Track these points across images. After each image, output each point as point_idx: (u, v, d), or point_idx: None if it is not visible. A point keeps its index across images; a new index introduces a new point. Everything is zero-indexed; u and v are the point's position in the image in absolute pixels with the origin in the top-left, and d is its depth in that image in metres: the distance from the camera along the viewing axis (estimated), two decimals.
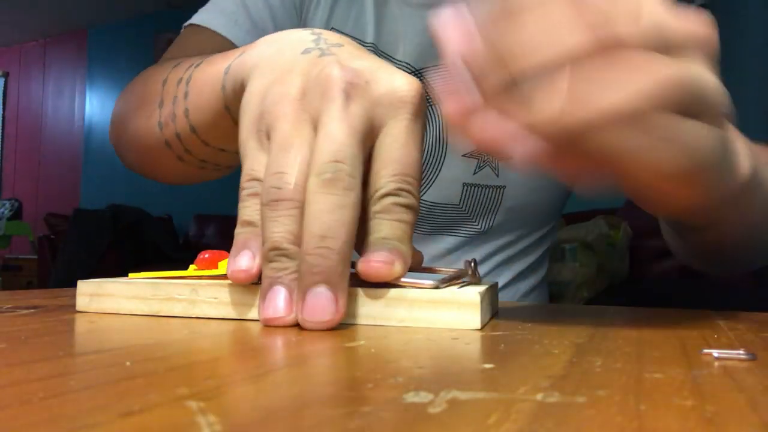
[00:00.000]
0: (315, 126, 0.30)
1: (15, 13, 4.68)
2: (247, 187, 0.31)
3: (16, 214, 4.59)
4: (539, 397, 0.15)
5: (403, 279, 0.29)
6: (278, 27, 0.62)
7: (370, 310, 0.29)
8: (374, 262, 0.28)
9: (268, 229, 0.28)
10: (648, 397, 0.15)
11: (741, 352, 0.21)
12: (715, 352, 0.21)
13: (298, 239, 0.28)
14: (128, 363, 0.19)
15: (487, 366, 0.19)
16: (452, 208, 0.65)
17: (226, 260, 0.36)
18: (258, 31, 0.61)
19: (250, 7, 0.63)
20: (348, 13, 0.64)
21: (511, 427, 0.13)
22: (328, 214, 0.27)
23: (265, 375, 0.18)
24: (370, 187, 0.29)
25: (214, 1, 0.65)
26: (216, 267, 0.36)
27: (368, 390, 0.16)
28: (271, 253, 0.28)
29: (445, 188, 0.65)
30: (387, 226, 0.29)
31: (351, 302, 0.29)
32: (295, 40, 0.34)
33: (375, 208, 0.29)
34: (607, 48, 0.22)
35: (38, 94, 5.43)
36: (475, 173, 0.64)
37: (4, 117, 5.53)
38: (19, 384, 0.16)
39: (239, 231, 0.30)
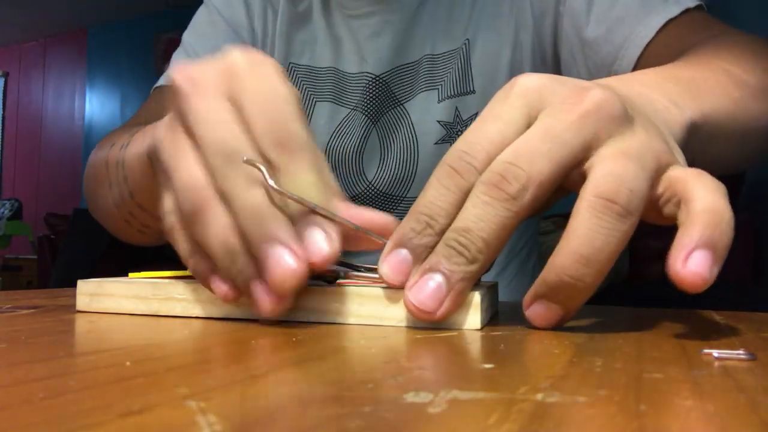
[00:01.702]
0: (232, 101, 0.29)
1: (15, 13, 4.68)
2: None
3: (16, 214, 4.59)
4: (539, 397, 0.15)
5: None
6: None
7: (370, 310, 0.29)
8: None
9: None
10: (648, 397, 0.15)
11: (741, 352, 0.21)
12: (715, 352, 0.21)
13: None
14: (128, 363, 0.19)
15: (487, 366, 0.19)
16: None
17: None
18: None
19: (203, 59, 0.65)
20: (303, 47, 0.67)
21: (511, 427, 0.13)
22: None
23: (265, 375, 0.18)
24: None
25: (173, 62, 0.68)
26: None
27: (368, 390, 0.16)
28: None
29: (427, 180, 0.65)
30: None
31: (351, 302, 0.29)
32: None
33: (272, 155, 0.27)
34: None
35: (38, 94, 5.43)
36: None
37: (4, 117, 5.52)
38: (19, 384, 0.16)
39: (193, 265, 0.30)
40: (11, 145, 5.50)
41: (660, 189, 0.27)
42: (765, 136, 0.43)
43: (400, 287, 0.27)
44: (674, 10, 0.53)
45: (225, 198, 0.27)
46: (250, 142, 0.27)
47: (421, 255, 0.27)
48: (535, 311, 0.27)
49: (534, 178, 0.25)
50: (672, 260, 0.23)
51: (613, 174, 0.25)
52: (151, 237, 0.51)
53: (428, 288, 0.26)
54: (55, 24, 4.95)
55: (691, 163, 0.32)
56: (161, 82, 0.67)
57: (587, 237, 0.24)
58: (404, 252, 0.27)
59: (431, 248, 0.27)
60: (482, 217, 0.25)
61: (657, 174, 0.26)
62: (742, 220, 1.69)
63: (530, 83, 0.28)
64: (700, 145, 0.35)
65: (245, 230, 0.27)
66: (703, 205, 0.24)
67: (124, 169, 0.45)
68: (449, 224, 0.26)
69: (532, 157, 0.25)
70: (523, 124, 0.27)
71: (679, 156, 0.28)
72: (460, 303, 0.27)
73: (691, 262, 0.23)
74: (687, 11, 0.53)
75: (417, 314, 0.26)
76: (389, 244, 0.28)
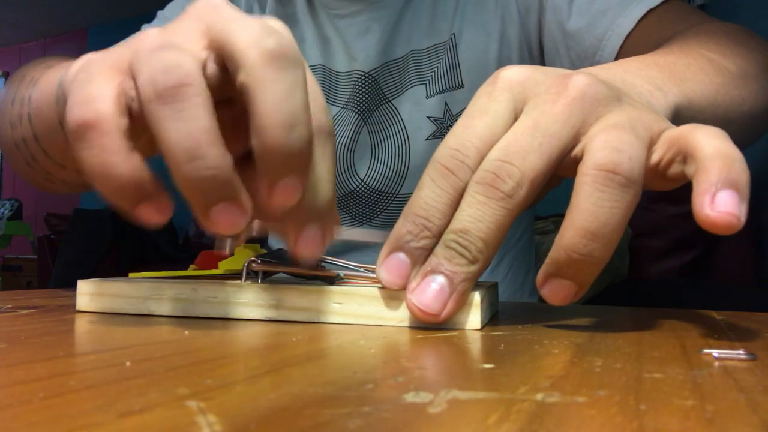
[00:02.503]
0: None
1: (15, 13, 4.68)
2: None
3: (16, 214, 4.58)
4: (539, 397, 0.15)
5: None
6: None
7: (371, 310, 0.29)
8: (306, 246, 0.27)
9: (175, 131, 0.22)
10: (648, 397, 0.15)
11: (741, 352, 0.21)
12: (715, 352, 0.21)
13: (218, 137, 0.23)
14: (128, 363, 0.19)
15: (487, 366, 0.19)
16: None
17: (226, 260, 0.36)
18: None
19: None
20: None
21: (511, 427, 0.13)
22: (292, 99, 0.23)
23: (265, 375, 0.18)
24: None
25: (143, 30, 0.68)
26: (216, 267, 0.36)
27: (368, 390, 0.16)
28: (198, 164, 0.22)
29: (420, 176, 0.65)
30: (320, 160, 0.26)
31: (351, 302, 0.29)
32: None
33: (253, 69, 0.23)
34: None
35: None
36: None
37: None
38: (19, 384, 0.16)
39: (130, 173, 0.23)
40: None
41: (659, 153, 0.26)
42: (746, 122, 0.43)
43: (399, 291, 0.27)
44: (654, 1, 0.53)
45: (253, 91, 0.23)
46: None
47: (419, 258, 0.27)
48: (549, 290, 0.27)
49: (527, 174, 0.25)
50: (698, 207, 0.23)
51: (609, 145, 0.25)
52: (37, 175, 0.48)
53: (431, 290, 0.26)
54: (55, 24, 4.95)
55: None
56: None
57: (591, 212, 0.24)
58: (402, 255, 0.27)
59: (429, 250, 0.27)
60: (479, 217, 0.25)
61: (651, 142, 0.26)
62: None
63: (513, 76, 0.28)
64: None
65: (270, 123, 0.23)
66: (712, 150, 0.24)
67: (34, 88, 0.42)
68: (446, 224, 0.26)
69: (524, 153, 0.25)
70: (510, 118, 0.27)
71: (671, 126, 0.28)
72: (462, 303, 0.27)
73: (719, 203, 0.23)
74: (667, 1, 0.53)
75: (421, 316, 0.26)
76: (386, 247, 0.28)
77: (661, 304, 0.38)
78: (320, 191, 0.26)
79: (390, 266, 0.27)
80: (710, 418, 0.14)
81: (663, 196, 1.66)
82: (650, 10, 0.53)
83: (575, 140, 0.26)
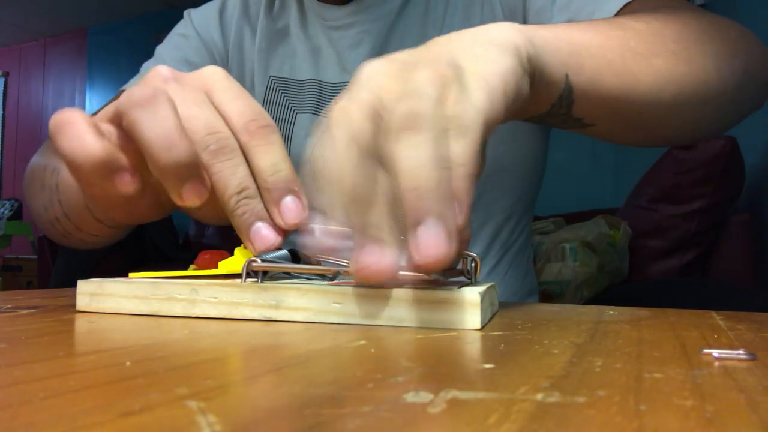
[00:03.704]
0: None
1: (15, 13, 4.68)
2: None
3: (16, 214, 4.58)
4: (539, 397, 0.15)
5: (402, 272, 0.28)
6: None
7: (370, 310, 0.29)
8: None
9: (152, 128, 0.29)
10: (648, 397, 0.15)
11: (741, 352, 0.21)
12: (715, 352, 0.21)
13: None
14: (128, 363, 0.19)
15: (487, 366, 0.19)
16: None
17: (226, 260, 0.36)
18: None
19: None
20: (283, 61, 0.69)
21: (511, 427, 0.13)
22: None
23: (265, 375, 0.18)
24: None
25: (142, 70, 0.71)
26: (216, 267, 0.36)
27: (368, 390, 0.16)
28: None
29: None
30: (263, 152, 0.32)
31: (351, 302, 0.29)
32: None
33: (244, 139, 0.32)
34: None
35: (38, 94, 5.42)
36: None
37: (4, 117, 5.52)
38: (19, 384, 0.16)
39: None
40: (11, 145, 5.50)
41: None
42: (660, 75, 0.41)
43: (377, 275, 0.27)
44: None
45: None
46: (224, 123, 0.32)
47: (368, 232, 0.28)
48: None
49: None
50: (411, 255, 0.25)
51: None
52: (73, 242, 0.53)
53: (427, 236, 0.25)
54: (55, 24, 4.95)
55: (576, 77, 0.36)
56: (130, 85, 0.69)
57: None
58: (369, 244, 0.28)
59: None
60: (416, 155, 0.25)
61: (441, 76, 0.29)
62: (742, 220, 1.69)
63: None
64: (570, 58, 0.37)
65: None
66: (405, 176, 0.25)
67: (58, 177, 0.48)
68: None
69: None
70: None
71: (479, 59, 0.31)
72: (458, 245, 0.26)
73: (421, 245, 0.25)
74: None
75: (429, 265, 0.25)
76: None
77: (661, 304, 0.38)
78: (282, 170, 0.33)
79: (361, 254, 0.27)
80: (710, 418, 0.14)
81: (663, 197, 1.67)
82: (627, 4, 0.53)
83: None
